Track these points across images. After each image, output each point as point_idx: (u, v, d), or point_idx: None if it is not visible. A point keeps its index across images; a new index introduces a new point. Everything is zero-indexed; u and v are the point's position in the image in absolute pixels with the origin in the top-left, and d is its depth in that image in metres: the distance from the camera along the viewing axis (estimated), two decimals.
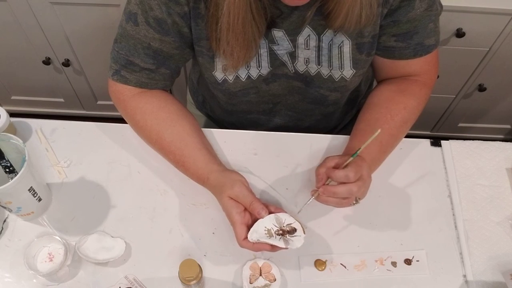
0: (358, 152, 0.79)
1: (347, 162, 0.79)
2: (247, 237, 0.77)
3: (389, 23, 0.85)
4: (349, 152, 0.86)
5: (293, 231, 0.78)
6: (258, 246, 0.77)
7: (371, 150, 0.86)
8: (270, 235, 0.77)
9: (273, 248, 0.78)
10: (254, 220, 0.78)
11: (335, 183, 0.80)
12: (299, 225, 0.79)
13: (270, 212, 0.79)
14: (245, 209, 0.80)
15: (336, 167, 0.80)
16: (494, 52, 1.52)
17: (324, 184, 0.80)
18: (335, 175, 0.78)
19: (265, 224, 0.77)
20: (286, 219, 0.79)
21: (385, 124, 0.89)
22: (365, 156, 0.85)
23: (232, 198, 0.79)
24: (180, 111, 0.91)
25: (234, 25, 0.76)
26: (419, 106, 0.93)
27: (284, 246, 0.77)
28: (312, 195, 0.82)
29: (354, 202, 0.82)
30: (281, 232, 0.77)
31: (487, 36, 1.47)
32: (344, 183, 0.78)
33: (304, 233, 0.79)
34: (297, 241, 0.78)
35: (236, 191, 0.79)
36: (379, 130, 0.77)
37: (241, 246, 0.78)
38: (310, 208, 0.89)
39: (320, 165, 0.82)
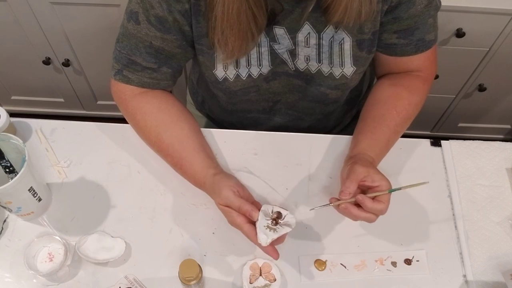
0: (395, 190, 0.78)
1: (383, 193, 0.77)
2: None
3: (390, 20, 0.85)
4: (359, 152, 0.85)
5: (279, 214, 0.78)
6: (267, 249, 0.77)
7: (378, 148, 0.87)
8: (273, 229, 0.77)
9: (280, 239, 0.78)
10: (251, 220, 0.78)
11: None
12: (277, 207, 0.79)
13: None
14: None
15: (363, 181, 0.78)
16: (494, 52, 1.52)
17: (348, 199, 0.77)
18: (371, 207, 0.75)
19: (263, 224, 0.77)
20: (268, 209, 0.79)
21: (392, 121, 0.89)
22: (372, 154, 0.85)
23: (223, 204, 0.80)
24: (181, 112, 0.91)
25: (229, 14, 0.76)
26: (421, 102, 0.94)
27: (289, 229, 0.77)
28: (331, 203, 0.79)
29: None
30: (274, 222, 0.78)
31: (487, 36, 1.47)
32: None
33: (286, 209, 0.79)
34: (289, 219, 0.78)
35: (223, 197, 0.79)
36: (427, 182, 0.80)
37: (256, 243, 0.77)
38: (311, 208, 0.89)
39: (350, 179, 0.78)
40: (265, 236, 0.76)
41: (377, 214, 0.77)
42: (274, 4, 0.80)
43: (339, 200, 0.78)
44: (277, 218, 0.78)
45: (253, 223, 0.78)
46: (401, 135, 0.93)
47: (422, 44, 0.89)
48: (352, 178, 0.78)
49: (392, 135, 0.89)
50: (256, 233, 0.76)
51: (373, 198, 0.77)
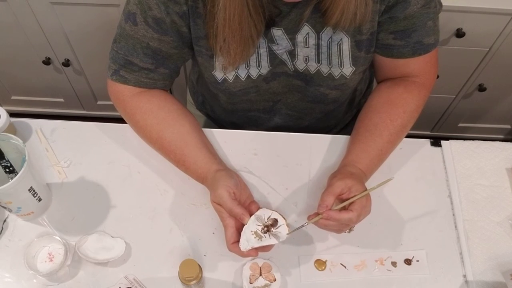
0: (366, 192, 0.79)
1: (354, 199, 0.78)
2: (236, 241, 0.78)
3: (387, 20, 0.85)
4: (348, 163, 0.86)
5: (275, 222, 0.79)
6: (247, 253, 0.77)
7: (368, 160, 0.87)
8: (259, 236, 0.77)
9: (265, 247, 0.78)
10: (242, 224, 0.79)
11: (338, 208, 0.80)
12: (277, 213, 0.79)
13: (251, 213, 0.79)
14: None
15: (341, 193, 0.79)
16: (494, 52, 1.52)
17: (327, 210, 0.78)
18: (338, 218, 0.77)
19: (251, 229, 0.77)
20: (265, 214, 0.79)
21: (385, 130, 0.88)
22: (361, 166, 0.85)
23: (216, 202, 0.80)
24: (180, 110, 0.92)
25: (230, 21, 0.76)
26: (418, 109, 0.92)
27: (275, 242, 0.77)
28: (310, 219, 0.79)
29: (348, 231, 0.84)
30: (266, 229, 0.78)
31: (487, 36, 1.47)
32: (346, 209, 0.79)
33: (285, 219, 0.79)
34: (282, 230, 0.78)
35: (217, 195, 0.79)
36: (393, 178, 0.81)
37: (230, 250, 0.79)
38: (310, 208, 0.89)
39: (327, 192, 0.79)
40: (246, 243, 0.76)
41: (346, 223, 0.78)
42: (271, 9, 0.80)
43: (318, 215, 0.78)
44: (270, 226, 0.78)
45: (242, 226, 0.78)
46: (398, 143, 0.92)
47: (420, 47, 0.88)
48: (329, 191, 0.79)
49: (386, 144, 0.88)
50: (233, 241, 0.78)
51: (347, 207, 0.79)
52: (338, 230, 0.82)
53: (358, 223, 0.80)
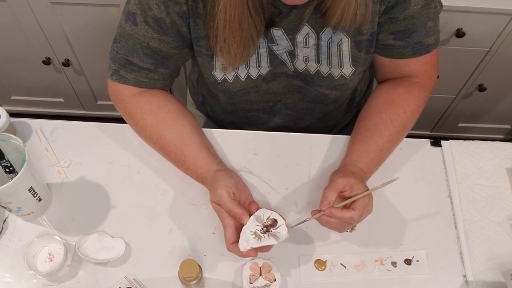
0: (369, 192, 0.79)
1: (357, 197, 0.78)
2: (235, 242, 0.77)
3: (386, 20, 0.85)
4: (348, 163, 0.86)
5: (274, 222, 0.79)
6: (246, 253, 0.77)
7: (369, 159, 0.86)
8: (259, 237, 0.77)
9: (265, 248, 0.78)
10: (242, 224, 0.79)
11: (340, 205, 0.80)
12: (277, 214, 0.79)
13: (250, 213, 0.79)
14: None
15: (343, 190, 0.79)
16: (494, 52, 1.52)
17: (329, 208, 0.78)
18: (340, 216, 0.77)
19: (250, 229, 0.77)
20: (264, 214, 0.79)
21: (385, 130, 0.88)
22: (361, 165, 0.85)
23: (216, 203, 0.80)
24: (180, 110, 0.92)
25: (231, 21, 0.76)
26: (418, 109, 0.92)
27: (275, 242, 0.77)
28: (312, 215, 0.80)
29: (350, 230, 0.83)
30: (265, 229, 0.78)
31: (487, 36, 1.47)
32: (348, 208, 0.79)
33: (284, 219, 0.79)
34: (282, 230, 0.78)
35: (217, 196, 0.79)
36: (397, 178, 0.80)
37: (229, 250, 0.79)
38: (310, 208, 0.89)
39: (329, 189, 0.79)
40: (245, 243, 0.76)
41: (348, 222, 0.78)
42: (271, 9, 0.80)
43: (320, 211, 0.78)
44: (269, 226, 0.78)
45: (241, 226, 0.78)
46: (398, 143, 0.92)
47: (420, 47, 0.88)
48: (331, 188, 0.79)
49: (386, 144, 0.88)
50: (232, 242, 0.78)
51: (349, 206, 0.79)
52: (340, 229, 0.82)
53: (360, 222, 0.80)
